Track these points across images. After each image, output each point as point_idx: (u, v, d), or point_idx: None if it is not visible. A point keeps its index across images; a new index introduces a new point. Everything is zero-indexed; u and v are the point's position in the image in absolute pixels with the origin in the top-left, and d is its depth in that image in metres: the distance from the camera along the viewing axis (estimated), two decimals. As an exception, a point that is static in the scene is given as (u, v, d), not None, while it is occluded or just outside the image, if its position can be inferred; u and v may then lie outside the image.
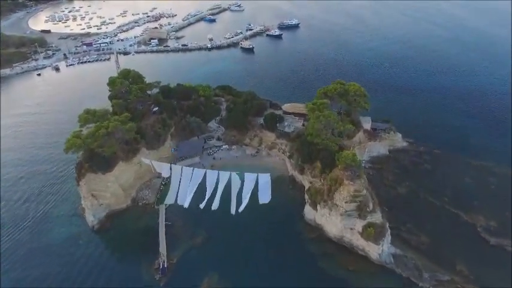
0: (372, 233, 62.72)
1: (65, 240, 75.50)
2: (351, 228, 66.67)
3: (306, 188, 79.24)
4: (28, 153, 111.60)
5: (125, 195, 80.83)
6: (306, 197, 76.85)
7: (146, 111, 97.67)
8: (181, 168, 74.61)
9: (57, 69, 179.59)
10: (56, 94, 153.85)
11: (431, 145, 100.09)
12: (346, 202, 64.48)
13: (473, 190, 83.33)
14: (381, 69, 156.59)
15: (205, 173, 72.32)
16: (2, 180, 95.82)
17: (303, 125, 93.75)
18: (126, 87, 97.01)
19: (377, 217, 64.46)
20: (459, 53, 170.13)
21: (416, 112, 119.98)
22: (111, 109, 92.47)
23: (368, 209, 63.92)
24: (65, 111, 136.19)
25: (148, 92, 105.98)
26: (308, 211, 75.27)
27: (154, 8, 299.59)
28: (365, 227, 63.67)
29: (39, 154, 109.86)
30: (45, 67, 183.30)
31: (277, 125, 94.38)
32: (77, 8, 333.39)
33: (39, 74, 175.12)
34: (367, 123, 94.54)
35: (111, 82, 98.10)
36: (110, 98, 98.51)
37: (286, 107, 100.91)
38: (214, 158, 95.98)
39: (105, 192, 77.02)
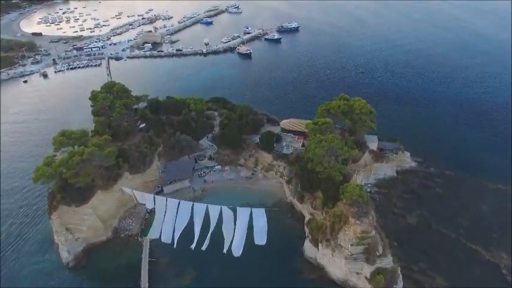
0: (382, 280, 54.56)
1: (34, 279, 67.19)
2: (357, 273, 58.49)
3: (306, 219, 71.06)
4: (7, 166, 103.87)
5: (104, 227, 72.53)
6: (306, 230, 68.70)
7: (131, 129, 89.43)
8: (166, 199, 67.67)
9: (45, 75, 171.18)
10: (42, 102, 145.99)
11: (442, 165, 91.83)
12: (351, 245, 56.27)
13: (491, 219, 75.05)
14: (384, 77, 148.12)
15: (192, 206, 65.73)
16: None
17: (303, 145, 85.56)
18: (110, 102, 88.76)
19: (387, 262, 56.30)
20: (467, 59, 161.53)
21: (424, 125, 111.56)
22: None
23: (377, 253, 55.73)
24: (51, 119, 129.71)
25: (135, 106, 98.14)
26: (308, 248, 67.04)
27: (150, 10, 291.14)
28: (373, 274, 55.50)
29: (19, 168, 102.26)
30: (33, 73, 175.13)
31: (274, 145, 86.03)
32: (72, 9, 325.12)
33: (25, 81, 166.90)
34: (373, 143, 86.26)
35: (93, 97, 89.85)
36: (93, 113, 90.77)
37: (284, 123, 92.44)
38: (205, 181, 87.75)
39: (81, 226, 68.81)
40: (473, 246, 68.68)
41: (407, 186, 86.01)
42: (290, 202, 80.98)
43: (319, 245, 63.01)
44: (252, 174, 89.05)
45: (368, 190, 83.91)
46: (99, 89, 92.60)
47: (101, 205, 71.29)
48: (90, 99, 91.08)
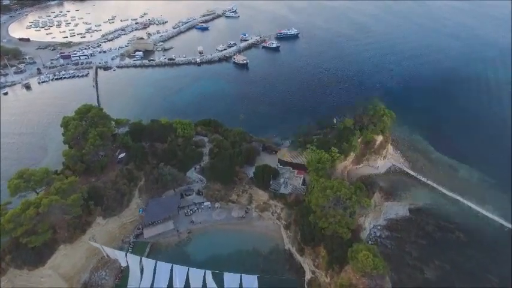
0: None
1: None
2: None
3: (307, 277, 60.40)
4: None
5: (70, 285, 61.46)
6: (307, 293, 58.03)
7: (108, 161, 78.54)
8: (141, 259, 57.26)
9: (27, 87, 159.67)
10: (22, 116, 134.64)
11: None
12: (364, 329, 45.54)
13: (527, 275, 64.22)
14: (389, 91, 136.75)
15: (171, 269, 55.72)
16: None
17: (304, 182, 74.68)
18: (83, 130, 78.01)
19: None
20: (478, 70, 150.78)
21: (435, 151, 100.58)
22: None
23: None
24: (33, 135, 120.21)
25: (115, 131, 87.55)
26: (310, 317, 56.29)
27: (145, 14, 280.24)
28: None
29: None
30: (15, 84, 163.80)
31: (271, 182, 75.03)
32: (64, 12, 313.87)
33: (6, 93, 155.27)
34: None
35: (65, 124, 79.18)
36: (65, 143, 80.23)
37: (283, 153, 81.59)
38: (192, 222, 76.82)
39: (39, 289, 57.82)
40: (508, 314, 58.02)
41: (422, 229, 75.05)
42: (288, 250, 70.03)
43: (323, 318, 52.32)
44: (246, 212, 78.14)
45: (378, 234, 73.72)
46: (82, 104, 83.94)
47: (65, 261, 60.28)
48: (61, 126, 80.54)
